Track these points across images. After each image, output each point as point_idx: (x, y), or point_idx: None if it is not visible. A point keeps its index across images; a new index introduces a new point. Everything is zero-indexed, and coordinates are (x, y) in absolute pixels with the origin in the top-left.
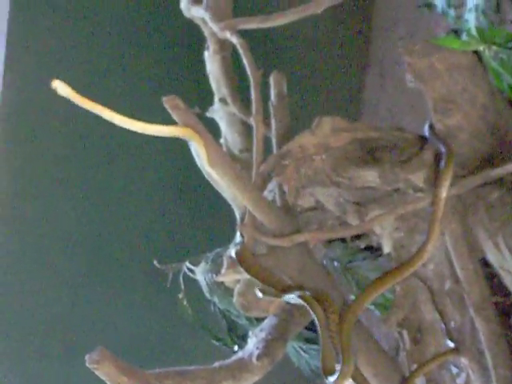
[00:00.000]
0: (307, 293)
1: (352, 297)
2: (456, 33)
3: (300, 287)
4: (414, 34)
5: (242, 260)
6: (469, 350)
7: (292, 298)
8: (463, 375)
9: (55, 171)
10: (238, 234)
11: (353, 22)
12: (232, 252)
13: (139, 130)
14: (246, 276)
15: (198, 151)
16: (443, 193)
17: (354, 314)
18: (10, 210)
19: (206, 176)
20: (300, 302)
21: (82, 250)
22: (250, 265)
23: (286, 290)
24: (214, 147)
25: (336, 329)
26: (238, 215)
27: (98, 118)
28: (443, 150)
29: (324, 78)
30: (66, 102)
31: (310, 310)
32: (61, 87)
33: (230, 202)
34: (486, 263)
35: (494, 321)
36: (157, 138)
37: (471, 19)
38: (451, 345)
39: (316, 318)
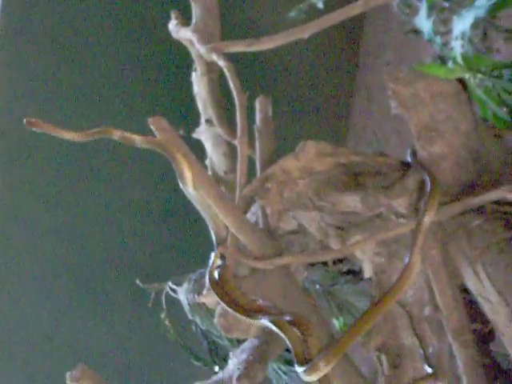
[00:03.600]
0: (286, 317)
1: (333, 320)
2: (442, 60)
3: (275, 311)
4: (401, 60)
5: (216, 284)
6: (446, 376)
7: (264, 322)
8: None
9: (40, 191)
10: (213, 256)
11: (341, 47)
12: (216, 274)
13: (122, 141)
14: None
15: (180, 172)
16: (427, 220)
17: (341, 349)
18: None
19: (188, 197)
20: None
21: (64, 269)
22: (230, 288)
23: (261, 313)
24: (198, 169)
25: (315, 352)
26: (213, 237)
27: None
28: (427, 177)
29: (311, 101)
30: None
31: (282, 334)
32: (35, 124)
33: (208, 223)
34: (465, 290)
35: (472, 347)
36: (141, 159)
37: (457, 47)
38: (429, 370)
39: (288, 341)
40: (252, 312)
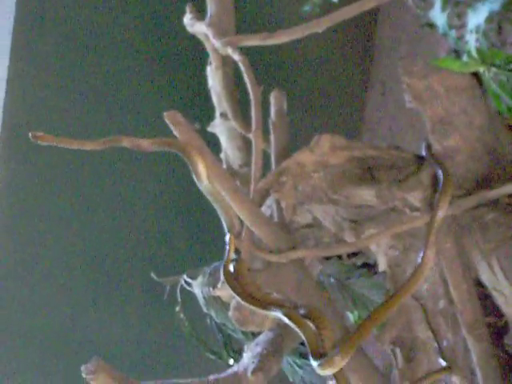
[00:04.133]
0: (300, 310)
1: (348, 314)
2: (457, 53)
3: (289, 304)
4: (416, 54)
5: (230, 277)
6: (461, 369)
7: (278, 315)
8: None
9: (54, 185)
10: (227, 249)
11: (355, 41)
12: (231, 267)
13: (133, 147)
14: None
15: (194, 168)
16: (441, 214)
17: (356, 343)
18: (9, 220)
19: (202, 191)
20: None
21: (80, 263)
22: (245, 281)
23: (275, 307)
24: (213, 163)
25: (329, 346)
26: (226, 231)
27: (96, 129)
28: (441, 172)
29: (326, 95)
30: (63, 119)
31: (296, 328)
32: (41, 138)
33: (221, 218)
34: (479, 283)
35: (487, 341)
36: (155, 152)
37: (472, 40)
38: (443, 363)
39: (302, 335)
40: (266, 305)
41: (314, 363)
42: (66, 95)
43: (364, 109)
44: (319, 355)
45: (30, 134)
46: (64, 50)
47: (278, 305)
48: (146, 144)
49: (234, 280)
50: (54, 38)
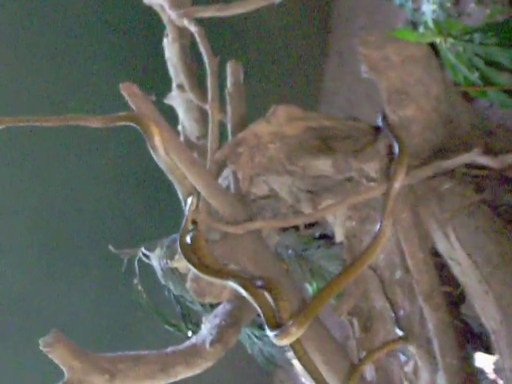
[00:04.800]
0: (257, 282)
1: (306, 285)
2: (414, 24)
3: (246, 275)
4: (374, 25)
5: (185, 247)
6: (417, 339)
7: (234, 286)
8: (411, 363)
9: (10, 158)
10: (184, 221)
11: (313, 12)
12: (188, 238)
13: (90, 124)
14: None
15: (150, 139)
16: (397, 185)
17: (313, 312)
18: None
19: (158, 163)
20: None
21: (38, 235)
22: (202, 253)
23: (231, 278)
24: (169, 135)
25: (286, 316)
26: (183, 203)
27: (53, 102)
28: (395, 142)
29: (283, 66)
30: (17, 94)
31: (251, 299)
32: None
33: (177, 189)
34: (435, 253)
35: (443, 310)
36: (113, 126)
37: (428, 11)
38: (400, 333)
39: (257, 306)
40: (222, 276)
41: (271, 334)
42: (19, 69)
43: (322, 80)
44: (276, 326)
45: None
46: (19, 22)
47: (235, 276)
48: (102, 120)
49: (190, 251)
50: (7, 8)
